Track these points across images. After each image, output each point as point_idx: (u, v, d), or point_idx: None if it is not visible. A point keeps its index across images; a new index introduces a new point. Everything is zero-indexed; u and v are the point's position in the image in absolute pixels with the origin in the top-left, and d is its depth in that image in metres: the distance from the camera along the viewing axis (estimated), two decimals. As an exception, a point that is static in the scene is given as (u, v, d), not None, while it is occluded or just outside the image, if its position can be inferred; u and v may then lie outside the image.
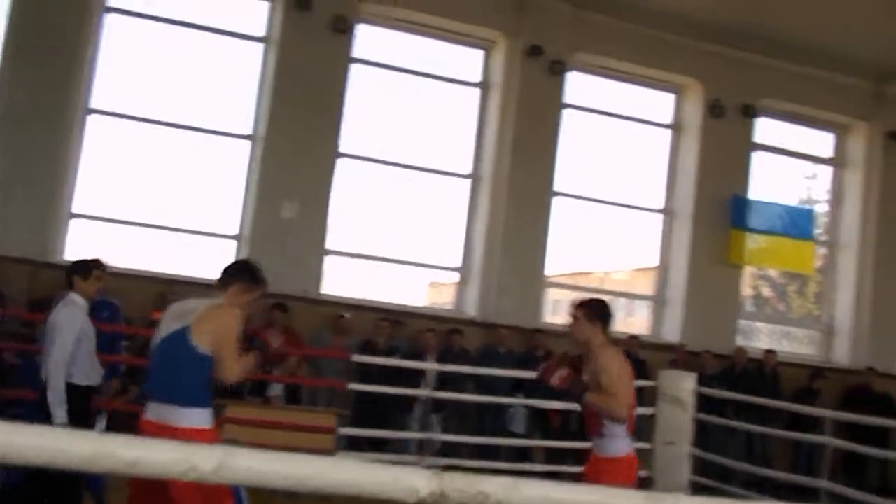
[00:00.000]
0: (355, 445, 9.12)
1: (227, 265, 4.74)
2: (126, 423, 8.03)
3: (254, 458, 1.42)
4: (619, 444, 4.69)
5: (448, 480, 1.47)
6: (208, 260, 10.48)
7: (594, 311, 4.82)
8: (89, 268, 5.75)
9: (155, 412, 4.30)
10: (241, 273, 4.64)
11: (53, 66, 9.67)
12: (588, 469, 4.84)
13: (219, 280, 4.62)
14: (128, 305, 8.72)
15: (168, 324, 4.46)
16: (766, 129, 12.78)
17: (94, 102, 10.15)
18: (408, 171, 11.27)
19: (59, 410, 5.35)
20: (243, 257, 4.62)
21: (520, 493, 1.52)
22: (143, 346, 8.79)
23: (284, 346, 4.59)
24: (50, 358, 5.44)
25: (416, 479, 1.48)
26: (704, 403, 8.57)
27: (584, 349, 4.82)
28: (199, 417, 4.29)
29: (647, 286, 12.74)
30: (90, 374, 5.74)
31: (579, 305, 4.87)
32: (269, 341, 4.77)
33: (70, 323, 5.51)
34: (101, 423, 7.71)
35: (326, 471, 1.45)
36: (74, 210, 10.04)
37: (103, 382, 7.34)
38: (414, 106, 11.46)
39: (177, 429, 4.15)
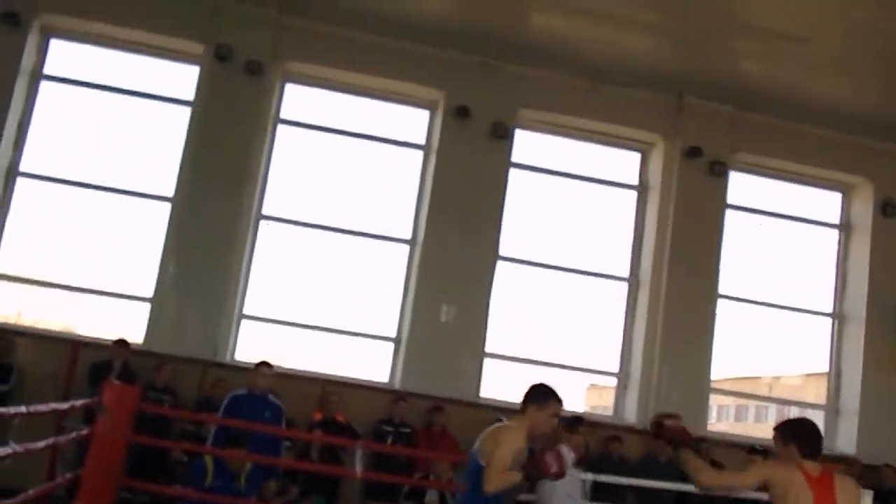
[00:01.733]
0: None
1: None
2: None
3: None
4: None
5: None
6: (368, 362, 10.70)
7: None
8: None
9: None
10: (531, 394, 4.95)
11: (228, 176, 10.24)
12: None
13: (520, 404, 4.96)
14: (290, 406, 8.91)
15: (475, 444, 4.86)
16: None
17: (266, 209, 10.65)
18: (567, 273, 11.23)
19: None
20: (541, 381, 4.84)
21: None
22: (304, 448, 9.00)
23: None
24: None
25: None
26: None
27: None
28: None
29: (818, 393, 12.13)
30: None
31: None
32: (547, 463, 4.66)
33: None
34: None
35: None
36: (245, 311, 10.45)
37: (263, 483, 7.55)
38: (573, 209, 11.49)
39: None
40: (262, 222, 10.64)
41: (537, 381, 5.10)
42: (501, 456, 4.60)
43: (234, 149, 10.31)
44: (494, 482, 4.56)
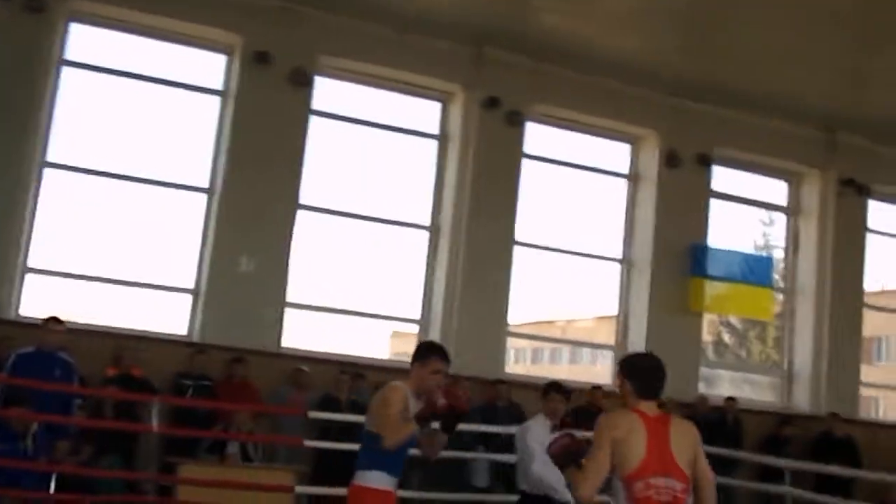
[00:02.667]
0: None
1: None
2: (77, 485, 7.90)
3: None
4: None
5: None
6: (166, 315, 10.39)
7: None
8: None
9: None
10: (415, 352, 4.87)
11: (9, 118, 9.58)
12: None
13: None
14: (83, 363, 8.52)
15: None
16: (722, 178, 12.94)
17: (51, 156, 10.06)
18: (368, 222, 11.26)
19: None
20: (427, 339, 4.88)
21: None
22: (97, 406, 8.65)
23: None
24: None
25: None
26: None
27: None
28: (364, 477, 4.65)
29: (609, 334, 12.77)
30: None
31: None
32: (434, 400, 4.58)
33: None
34: (51, 484, 7.56)
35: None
36: (30, 265, 9.88)
37: (53, 444, 7.23)
38: (374, 158, 11.48)
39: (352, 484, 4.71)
40: (48, 170, 10.04)
41: (424, 339, 5.10)
42: (389, 413, 4.55)
43: (15, 93, 9.64)
44: (391, 437, 4.49)
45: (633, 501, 3.85)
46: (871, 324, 14.13)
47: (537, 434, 6.14)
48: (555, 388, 6.41)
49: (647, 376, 4.10)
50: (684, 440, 4.01)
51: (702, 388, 12.42)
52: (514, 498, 9.20)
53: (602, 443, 3.94)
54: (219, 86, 10.76)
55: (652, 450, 3.90)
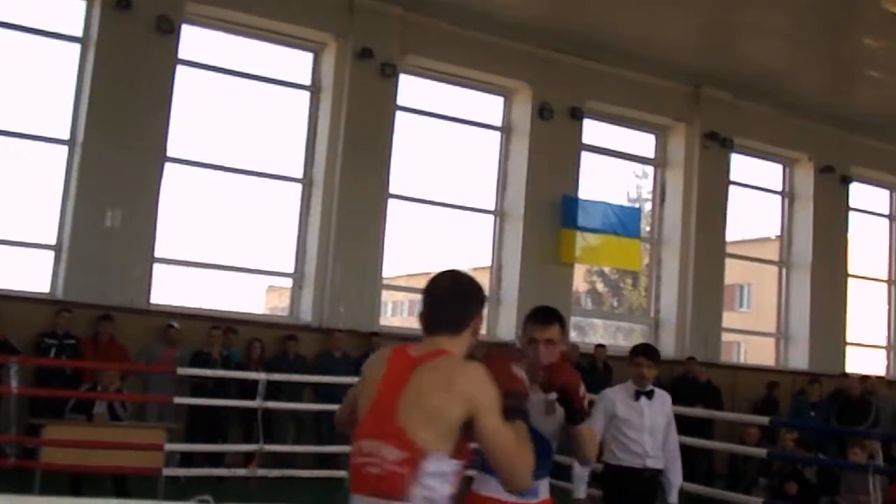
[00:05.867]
0: (189, 461, 8.87)
1: None
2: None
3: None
4: None
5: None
6: (27, 272, 9.99)
7: None
8: None
9: None
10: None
11: None
12: None
13: None
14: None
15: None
16: (593, 131, 13.17)
17: None
18: (239, 175, 11.04)
19: None
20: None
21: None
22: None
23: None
24: None
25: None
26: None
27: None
28: None
29: (484, 286, 12.88)
30: None
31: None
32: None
33: None
34: None
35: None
36: None
37: None
38: (244, 109, 11.23)
39: None
40: None
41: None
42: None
43: None
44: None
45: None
46: (733, 272, 14.73)
47: (606, 403, 5.29)
48: (640, 352, 5.43)
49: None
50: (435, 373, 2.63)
51: (575, 336, 12.71)
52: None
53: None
54: (78, 33, 10.28)
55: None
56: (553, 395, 3.38)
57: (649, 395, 5.32)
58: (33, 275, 9.97)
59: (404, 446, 2.48)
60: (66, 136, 10.11)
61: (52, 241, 9.98)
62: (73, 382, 8.75)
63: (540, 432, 3.38)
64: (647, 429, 5.24)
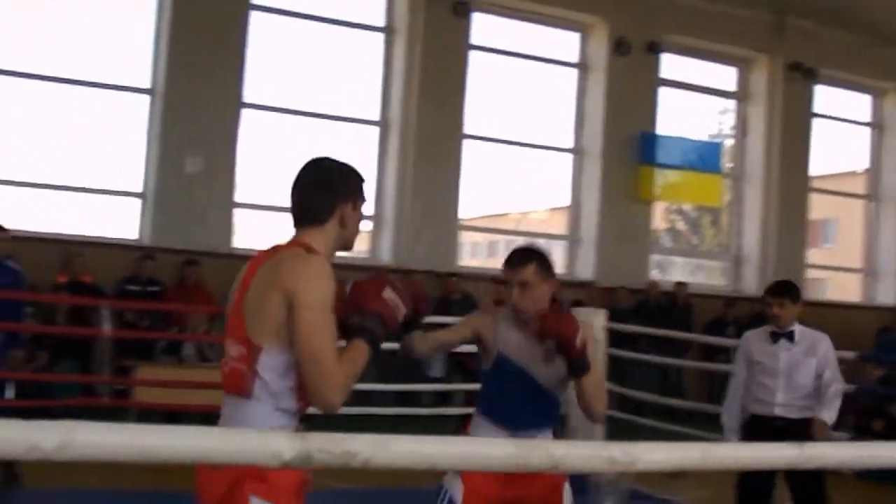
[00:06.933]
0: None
1: None
2: (34, 391, 7.89)
3: (100, 432, 1.37)
4: None
5: (312, 441, 1.45)
6: (114, 219, 10.27)
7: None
8: None
9: None
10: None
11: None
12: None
13: None
14: (32, 271, 8.41)
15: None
16: (671, 65, 12.89)
17: None
18: (315, 119, 11.11)
19: None
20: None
21: (387, 450, 1.50)
22: (49, 313, 8.60)
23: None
24: None
25: (279, 442, 1.45)
26: (618, 339, 8.69)
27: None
28: None
29: (562, 225, 12.86)
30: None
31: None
32: None
33: None
34: (10, 392, 7.54)
35: (183, 439, 1.42)
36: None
37: (9, 352, 7.19)
38: (319, 53, 11.26)
39: None
40: None
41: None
42: None
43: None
44: None
45: None
46: (818, 207, 14.38)
47: (744, 346, 5.04)
48: (768, 289, 4.98)
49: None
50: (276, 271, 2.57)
51: (655, 274, 12.61)
52: (469, 387, 9.42)
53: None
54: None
55: None
56: (551, 345, 3.20)
57: (790, 336, 4.83)
58: (119, 221, 10.24)
59: (242, 342, 2.52)
60: (148, 86, 10.29)
61: (139, 189, 10.21)
62: (162, 327, 9.01)
63: (539, 382, 3.28)
64: (781, 373, 4.79)
